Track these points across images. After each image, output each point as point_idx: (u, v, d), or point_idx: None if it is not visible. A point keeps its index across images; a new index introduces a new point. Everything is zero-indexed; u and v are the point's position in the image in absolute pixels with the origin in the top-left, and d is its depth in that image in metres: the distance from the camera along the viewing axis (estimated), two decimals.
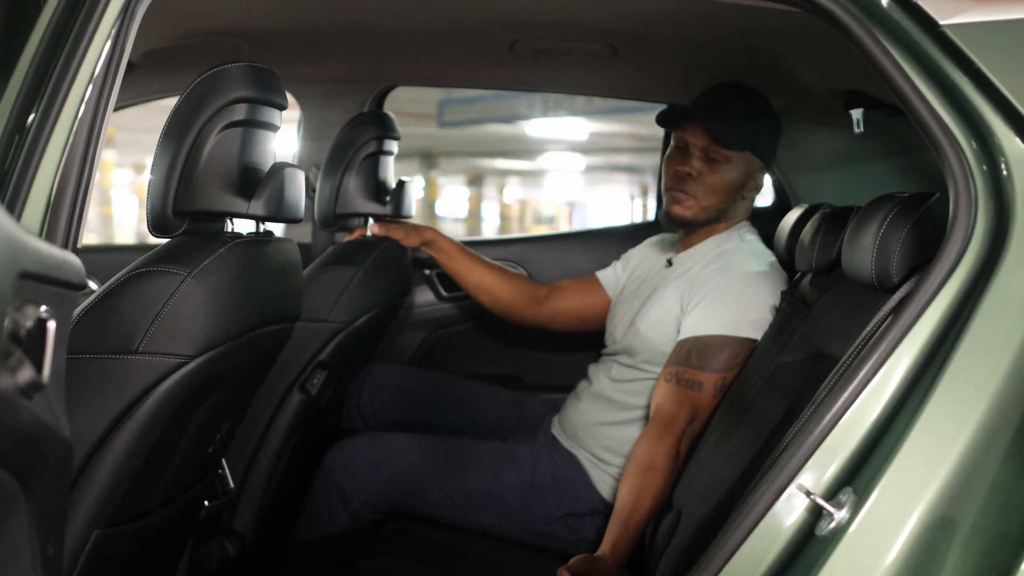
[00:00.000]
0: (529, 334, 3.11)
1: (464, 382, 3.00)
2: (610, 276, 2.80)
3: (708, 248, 2.44)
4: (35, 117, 1.38)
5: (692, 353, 2.24)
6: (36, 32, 1.42)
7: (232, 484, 2.29)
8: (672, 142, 2.48)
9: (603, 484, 2.40)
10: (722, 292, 2.28)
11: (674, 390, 2.22)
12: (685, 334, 2.28)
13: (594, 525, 2.39)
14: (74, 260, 1.16)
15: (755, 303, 2.27)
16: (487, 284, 2.86)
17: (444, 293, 3.38)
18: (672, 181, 2.44)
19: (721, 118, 2.38)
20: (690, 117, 2.42)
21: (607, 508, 2.38)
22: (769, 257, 2.41)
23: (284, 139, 2.13)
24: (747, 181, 2.43)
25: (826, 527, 1.37)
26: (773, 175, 3.29)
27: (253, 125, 1.79)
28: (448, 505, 2.43)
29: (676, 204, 2.43)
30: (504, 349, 3.31)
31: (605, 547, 2.10)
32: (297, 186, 1.88)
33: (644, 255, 2.73)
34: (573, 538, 2.40)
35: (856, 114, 2.16)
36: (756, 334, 2.24)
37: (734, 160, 2.39)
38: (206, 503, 2.15)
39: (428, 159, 15.71)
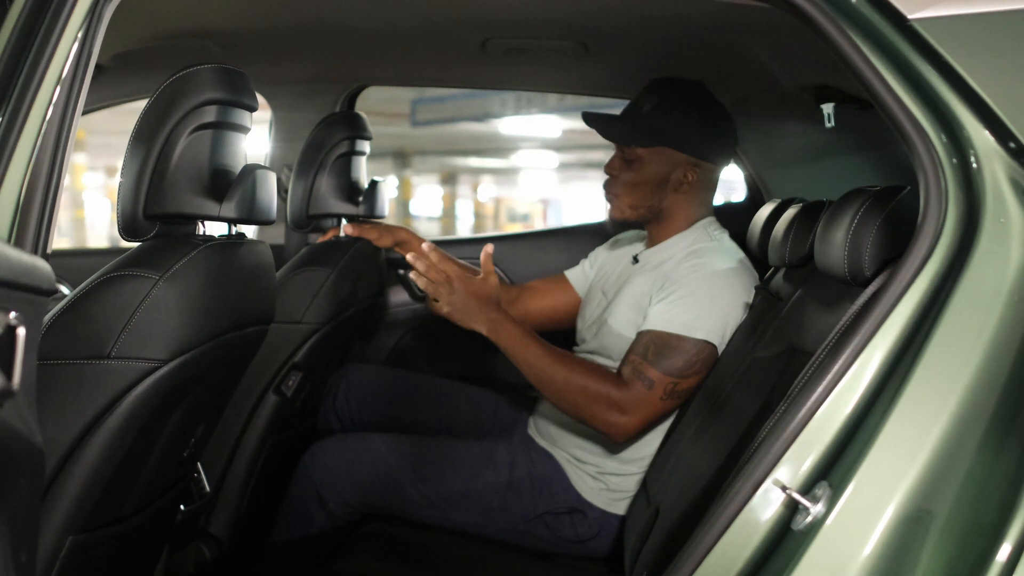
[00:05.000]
0: None
1: (440, 381, 2.99)
2: (578, 274, 2.81)
3: (678, 246, 2.44)
4: (2, 120, 1.37)
5: (650, 348, 2.24)
6: (1, 34, 1.41)
7: (208, 487, 2.28)
8: None
9: (581, 483, 2.40)
10: (689, 292, 2.28)
11: (629, 375, 2.23)
12: (646, 326, 2.29)
13: (572, 523, 2.39)
14: (43, 265, 1.15)
15: (719, 307, 2.26)
16: None
17: (419, 293, 3.37)
18: (605, 182, 2.52)
19: (620, 119, 2.46)
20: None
21: (585, 506, 2.38)
22: (739, 254, 2.40)
23: (255, 140, 2.12)
24: (670, 176, 2.43)
25: (802, 521, 1.37)
26: (744, 170, 3.30)
27: (223, 127, 1.78)
28: (426, 505, 2.43)
29: (609, 206, 2.51)
30: (479, 348, 3.30)
31: (509, 323, 2.25)
32: (269, 187, 1.87)
33: (611, 252, 2.74)
34: (551, 537, 2.40)
35: (827, 109, 2.17)
36: (715, 339, 2.24)
37: (647, 157, 2.42)
38: (182, 507, 2.14)
39: (401, 158, 15.69)
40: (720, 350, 2.24)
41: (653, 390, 2.20)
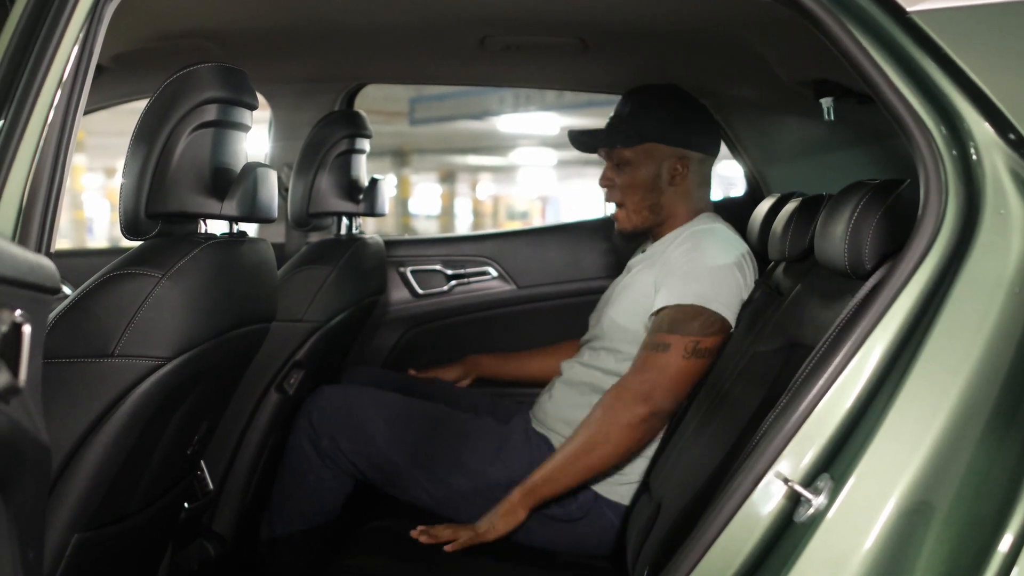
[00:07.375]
0: (505, 332, 3.11)
1: (437, 382, 2.99)
2: None
3: (681, 235, 2.46)
4: (4, 123, 1.37)
5: (664, 320, 2.27)
6: (3, 37, 1.42)
7: (211, 485, 2.29)
8: None
9: None
10: (692, 268, 2.32)
11: (641, 357, 2.26)
12: (659, 305, 2.31)
13: (560, 501, 2.37)
14: (48, 264, 1.16)
15: (726, 283, 2.30)
16: (533, 372, 2.94)
17: (419, 291, 3.38)
18: (605, 195, 2.58)
19: (602, 130, 2.55)
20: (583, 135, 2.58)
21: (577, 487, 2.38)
22: (740, 247, 2.41)
23: (256, 140, 2.13)
24: (662, 170, 2.48)
25: (804, 513, 1.37)
26: (744, 165, 3.30)
27: (224, 126, 1.79)
28: (411, 455, 2.47)
29: (616, 221, 2.57)
30: (480, 346, 3.32)
31: (516, 493, 2.27)
32: (270, 186, 1.88)
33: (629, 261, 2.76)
34: (535, 512, 2.38)
35: (826, 102, 2.17)
36: (727, 312, 2.26)
37: (634, 158, 2.49)
38: (186, 505, 2.15)
39: (400, 157, 15.68)
40: (732, 325, 2.27)
41: (670, 352, 2.22)
